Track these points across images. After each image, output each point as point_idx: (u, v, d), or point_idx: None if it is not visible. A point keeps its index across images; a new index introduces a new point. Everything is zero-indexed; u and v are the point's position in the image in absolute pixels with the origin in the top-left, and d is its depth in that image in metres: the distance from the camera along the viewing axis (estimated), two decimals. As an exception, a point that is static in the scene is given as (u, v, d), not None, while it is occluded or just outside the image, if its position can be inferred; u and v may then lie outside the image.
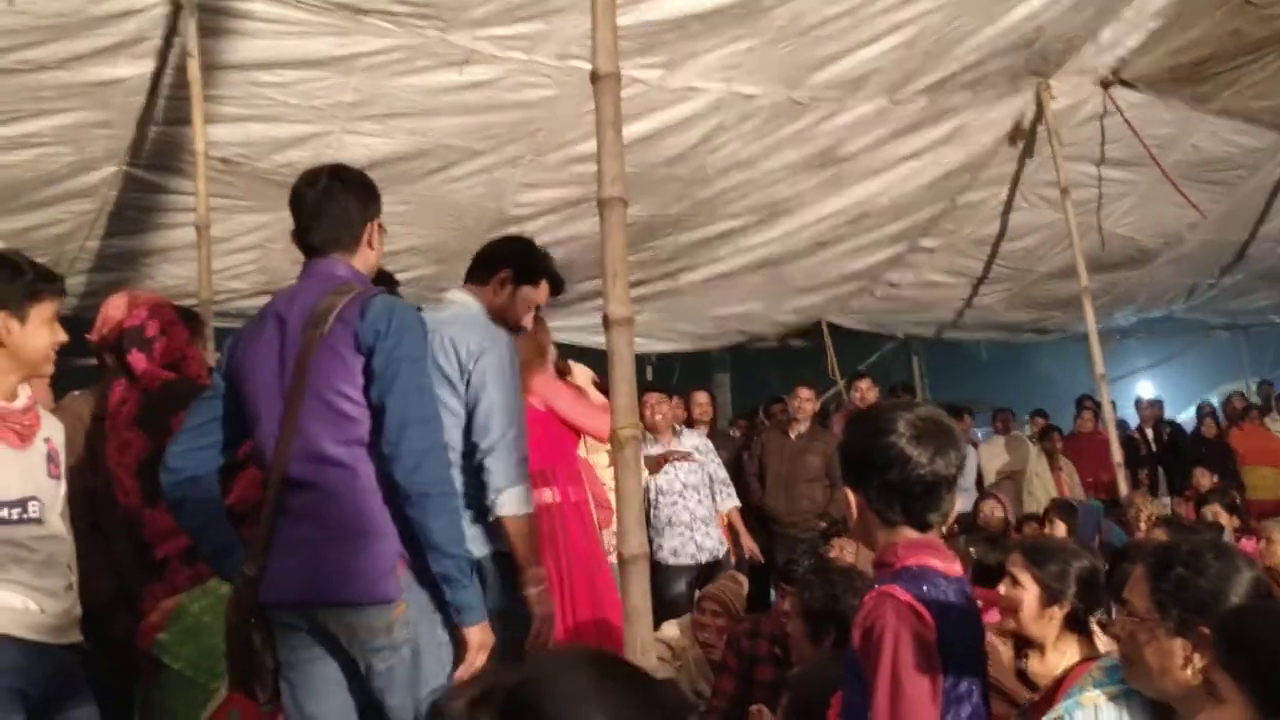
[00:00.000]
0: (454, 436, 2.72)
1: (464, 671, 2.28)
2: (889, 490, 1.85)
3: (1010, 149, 7.15)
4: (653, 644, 2.29)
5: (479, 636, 2.31)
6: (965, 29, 5.62)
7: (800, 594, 3.16)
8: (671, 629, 4.41)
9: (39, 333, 2.59)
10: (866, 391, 6.96)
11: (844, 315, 9.29)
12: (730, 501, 5.96)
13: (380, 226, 2.53)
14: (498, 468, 2.69)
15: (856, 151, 6.49)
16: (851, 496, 1.90)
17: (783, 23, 5.11)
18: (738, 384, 11.14)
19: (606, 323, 2.34)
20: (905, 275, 8.55)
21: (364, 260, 2.51)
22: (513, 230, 6.55)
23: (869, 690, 1.74)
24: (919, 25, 5.41)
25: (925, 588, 1.78)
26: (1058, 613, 2.56)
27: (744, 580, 4.90)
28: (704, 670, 4.19)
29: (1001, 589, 2.64)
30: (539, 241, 6.53)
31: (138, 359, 3.09)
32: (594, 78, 2.29)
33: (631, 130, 5.71)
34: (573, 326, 7.49)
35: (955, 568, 1.87)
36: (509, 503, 2.69)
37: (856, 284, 8.57)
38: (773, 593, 4.14)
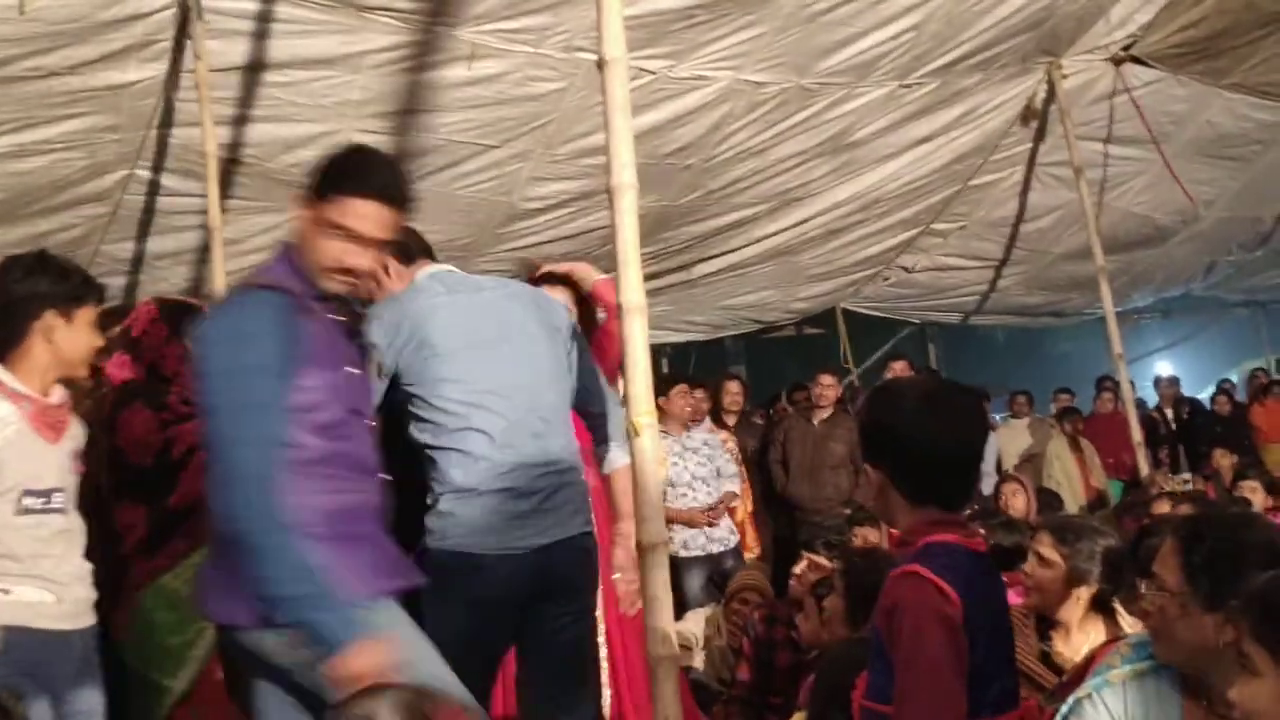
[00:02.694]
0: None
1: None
2: (914, 467, 1.82)
3: (1023, 130, 7.11)
4: (673, 633, 2.28)
5: (348, 665, 2.03)
6: (975, 10, 5.58)
7: (845, 576, 3.12)
8: (694, 621, 4.41)
9: (81, 335, 2.70)
10: (900, 373, 6.92)
11: (858, 302, 9.26)
12: (730, 485, 5.99)
13: (351, 211, 2.25)
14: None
15: (867, 137, 6.45)
16: (873, 474, 1.86)
17: (790, 9, 5.08)
18: (753, 373, 11.13)
19: (620, 310, 2.33)
20: (919, 260, 8.52)
21: (311, 248, 2.27)
22: (524, 225, 6.59)
23: (894, 671, 1.72)
24: (928, 8, 5.38)
25: (949, 565, 1.76)
26: (1084, 593, 2.54)
27: (763, 567, 4.91)
28: (729, 660, 4.19)
29: (1027, 568, 2.62)
30: (552, 235, 6.71)
31: (118, 361, 3.13)
32: (601, 64, 2.28)
33: (640, 121, 5.71)
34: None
35: (978, 544, 1.86)
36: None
37: (870, 270, 8.55)
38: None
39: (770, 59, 5.47)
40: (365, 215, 2.23)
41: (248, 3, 4.36)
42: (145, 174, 5.12)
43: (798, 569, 3.73)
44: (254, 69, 4.68)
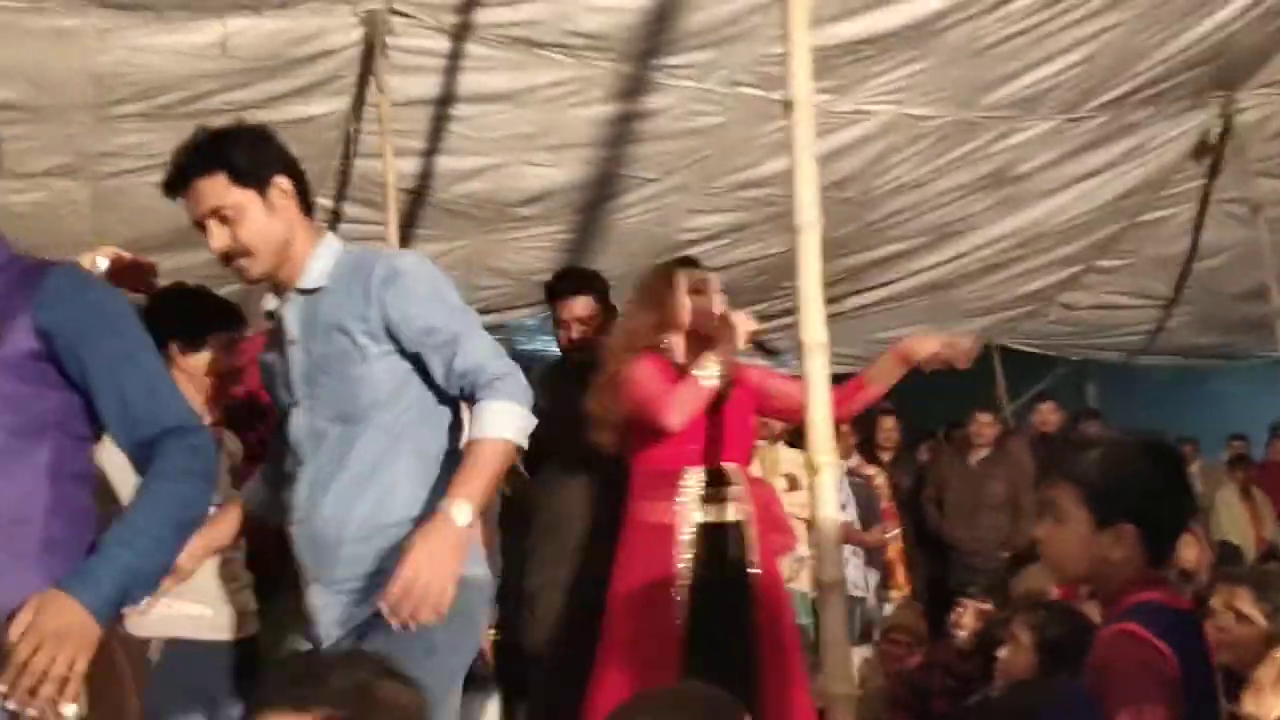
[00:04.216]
0: None
1: None
2: (1166, 525, 1.81)
3: (1196, 165, 6.85)
4: (851, 672, 2.29)
5: None
6: (1149, 43, 5.43)
7: (1038, 628, 3.05)
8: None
9: (206, 363, 2.95)
10: (1049, 415, 6.80)
11: (1015, 338, 9.05)
12: None
13: None
14: None
15: (1031, 171, 6.33)
16: (1130, 532, 1.81)
17: (958, 43, 5.03)
18: (899, 408, 10.95)
19: (801, 348, 2.37)
20: (1081, 297, 8.28)
21: None
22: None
23: None
24: (1100, 41, 5.25)
25: (1163, 624, 1.72)
26: (1283, 652, 2.43)
27: (917, 607, 4.84)
28: (887, 702, 4.14)
29: (1220, 624, 2.53)
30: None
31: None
32: (788, 106, 2.32)
33: (800, 154, 5.75)
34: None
35: (1184, 602, 1.82)
36: None
37: (1029, 306, 8.35)
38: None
39: (934, 92, 5.43)
40: None
41: (429, 40, 4.54)
42: (326, 202, 5.37)
43: (966, 619, 3.67)
44: (430, 103, 4.87)
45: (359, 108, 4.81)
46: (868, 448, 6.84)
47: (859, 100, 5.40)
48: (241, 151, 2.34)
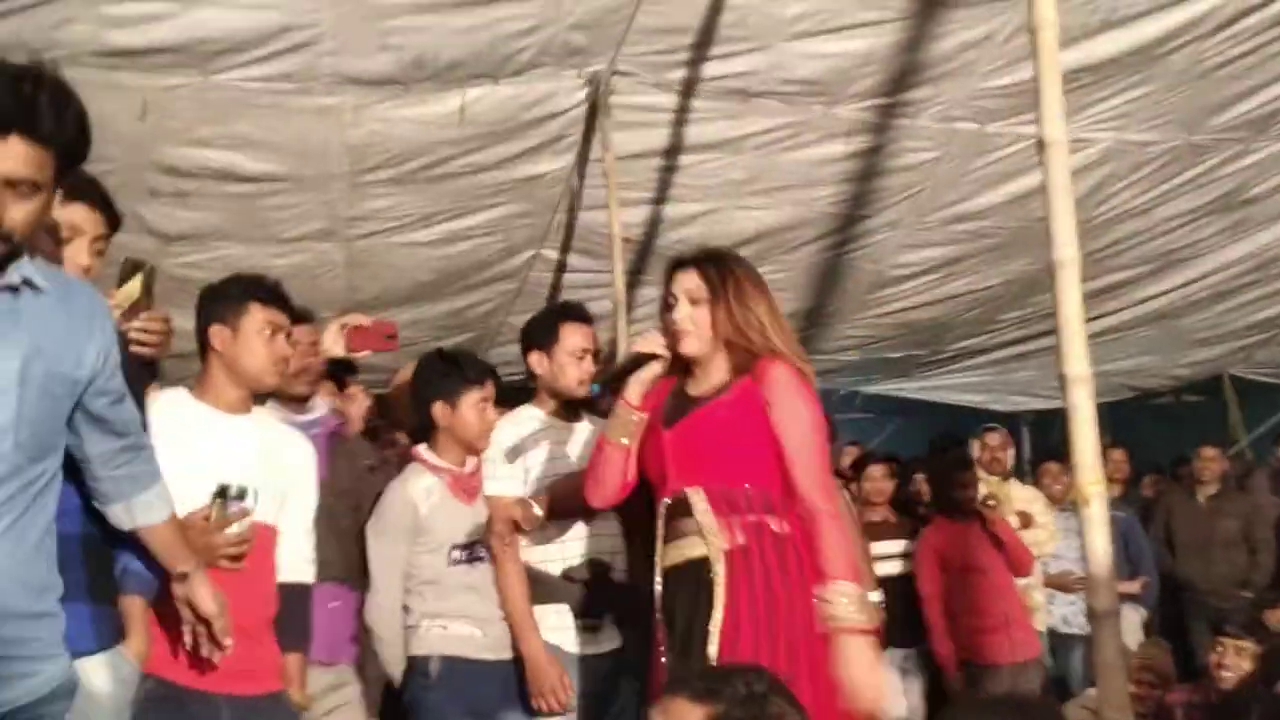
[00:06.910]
0: None
1: None
2: None
3: None
4: (1127, 700, 2.27)
5: None
6: (1395, 54, 5.15)
7: None
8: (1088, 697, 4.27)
9: (468, 419, 3.23)
10: (1293, 450, 6.47)
11: (1250, 367, 8.60)
12: None
13: None
14: None
15: (1264, 193, 6.05)
16: None
17: (1181, 67, 4.90)
18: (1126, 441, 10.51)
19: (1064, 380, 2.40)
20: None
21: None
22: (891, 291, 6.65)
23: None
24: (1338, 54, 5.02)
25: None
26: None
27: (1164, 645, 4.68)
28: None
29: None
30: (918, 300, 6.74)
31: None
32: (1041, 145, 2.38)
33: (1015, 186, 5.67)
34: (949, 385, 7.45)
35: None
36: None
37: (1265, 334, 7.93)
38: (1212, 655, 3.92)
39: (1157, 117, 5.28)
40: None
41: (648, 96, 4.74)
42: (551, 254, 5.66)
43: (1229, 658, 3.56)
44: (648, 156, 5.08)
45: (583, 164, 5.06)
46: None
47: (1077, 129, 5.29)
48: None
